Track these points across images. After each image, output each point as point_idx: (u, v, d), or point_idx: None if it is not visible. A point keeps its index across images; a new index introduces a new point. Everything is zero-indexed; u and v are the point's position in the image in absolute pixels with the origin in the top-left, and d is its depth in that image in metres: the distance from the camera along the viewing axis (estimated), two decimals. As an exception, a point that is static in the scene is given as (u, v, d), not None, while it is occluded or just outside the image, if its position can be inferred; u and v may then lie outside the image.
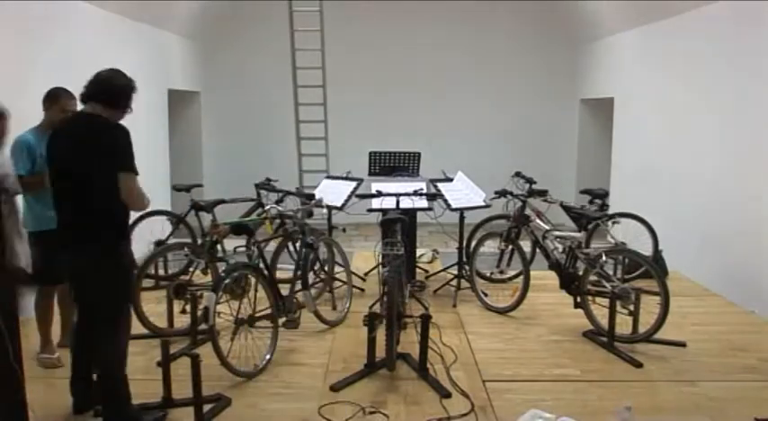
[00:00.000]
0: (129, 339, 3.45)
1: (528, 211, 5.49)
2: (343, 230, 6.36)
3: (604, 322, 4.47)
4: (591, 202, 6.64)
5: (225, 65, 10.69)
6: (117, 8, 7.05)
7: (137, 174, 3.17)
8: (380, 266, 4.34)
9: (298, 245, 4.96)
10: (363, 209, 5.46)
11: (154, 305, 4.58)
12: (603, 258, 4.54)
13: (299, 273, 4.67)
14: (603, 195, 6.80)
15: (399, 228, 4.53)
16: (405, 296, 4.36)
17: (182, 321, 4.48)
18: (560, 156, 10.84)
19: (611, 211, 6.63)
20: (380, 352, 3.96)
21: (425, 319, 3.98)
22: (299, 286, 4.62)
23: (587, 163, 10.51)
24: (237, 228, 4.31)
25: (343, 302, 5.20)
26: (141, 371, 4.01)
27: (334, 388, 3.81)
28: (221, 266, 4.64)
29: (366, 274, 6.28)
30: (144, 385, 3.76)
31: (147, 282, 4.75)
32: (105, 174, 3.10)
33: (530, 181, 5.90)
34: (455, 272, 5.91)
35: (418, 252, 6.45)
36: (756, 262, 5.49)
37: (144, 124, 7.72)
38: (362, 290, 5.86)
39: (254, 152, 10.51)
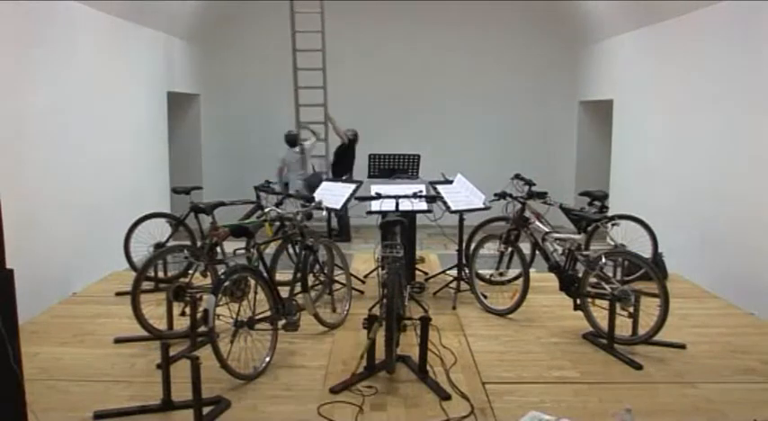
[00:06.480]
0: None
1: (527, 213, 5.49)
2: None
3: (604, 324, 4.47)
4: (590, 204, 6.64)
5: (225, 67, 10.71)
6: (116, 11, 7.05)
7: None
8: (380, 268, 4.33)
9: (297, 247, 4.97)
10: (363, 211, 5.47)
11: (153, 307, 4.57)
12: (603, 260, 4.54)
13: (298, 275, 4.67)
14: (603, 197, 6.79)
15: (399, 231, 4.53)
16: (404, 298, 4.35)
17: (181, 323, 4.48)
18: (560, 158, 10.86)
19: (610, 213, 6.62)
20: (380, 354, 3.96)
21: (425, 321, 3.97)
22: (298, 288, 4.62)
23: (586, 165, 10.53)
24: (237, 231, 4.31)
25: (342, 305, 5.20)
26: (141, 374, 4.02)
27: (334, 390, 3.81)
28: (221, 269, 4.64)
29: (365, 277, 6.28)
30: (144, 387, 3.78)
31: (146, 285, 4.74)
32: None
33: (529, 183, 5.91)
34: (455, 274, 5.91)
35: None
36: (756, 264, 5.49)
37: (143, 127, 7.77)
38: (362, 292, 5.86)
39: (254, 154, 10.52)
